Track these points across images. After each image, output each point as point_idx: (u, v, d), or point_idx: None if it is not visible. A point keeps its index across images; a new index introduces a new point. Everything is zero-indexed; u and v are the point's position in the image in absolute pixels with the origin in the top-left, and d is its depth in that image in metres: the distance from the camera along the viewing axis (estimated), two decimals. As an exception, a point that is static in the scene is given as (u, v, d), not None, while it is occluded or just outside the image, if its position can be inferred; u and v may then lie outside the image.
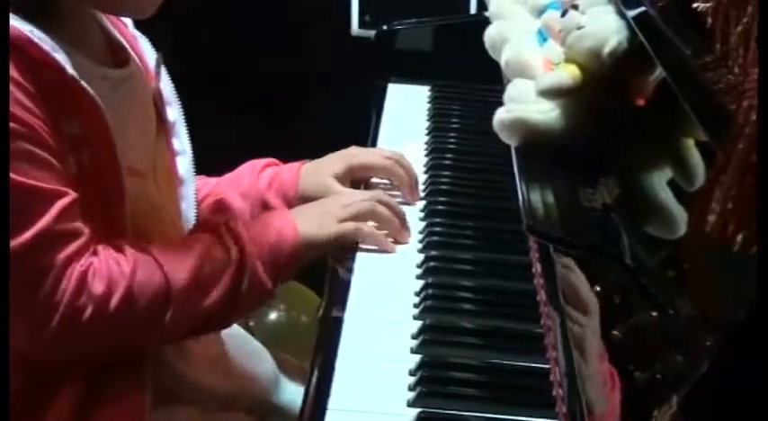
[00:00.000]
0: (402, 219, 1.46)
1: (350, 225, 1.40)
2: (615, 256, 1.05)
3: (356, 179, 1.58)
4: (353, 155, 1.58)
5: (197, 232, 1.36)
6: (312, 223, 1.38)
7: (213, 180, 1.59)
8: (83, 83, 1.22)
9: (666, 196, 1.10)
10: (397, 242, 1.45)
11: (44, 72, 1.20)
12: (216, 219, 1.37)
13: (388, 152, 1.61)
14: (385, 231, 1.44)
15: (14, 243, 1.17)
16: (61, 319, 1.20)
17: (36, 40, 1.19)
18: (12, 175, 1.17)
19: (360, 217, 1.42)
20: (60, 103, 1.22)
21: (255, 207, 1.53)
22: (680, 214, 1.07)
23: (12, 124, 1.17)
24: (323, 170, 1.55)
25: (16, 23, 1.19)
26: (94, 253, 1.23)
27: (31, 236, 1.18)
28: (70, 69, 1.21)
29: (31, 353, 1.23)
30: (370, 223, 1.43)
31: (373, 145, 1.76)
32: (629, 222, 1.11)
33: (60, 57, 1.21)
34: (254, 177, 1.56)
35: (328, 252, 1.41)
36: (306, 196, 1.51)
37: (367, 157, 1.59)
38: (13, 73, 1.18)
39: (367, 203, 1.43)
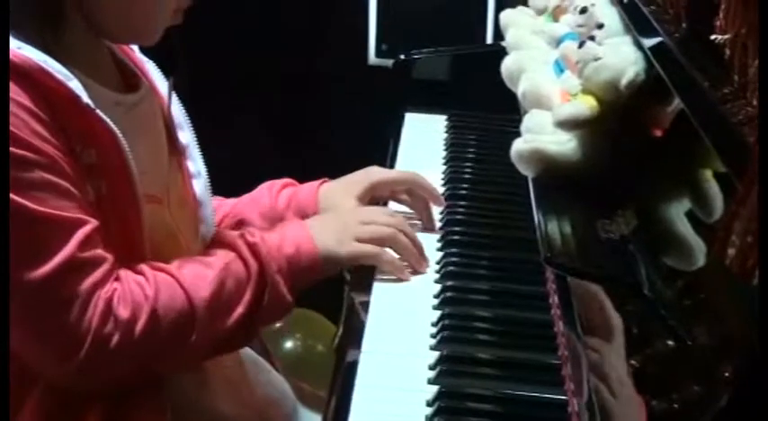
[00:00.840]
0: (421, 250, 1.46)
1: (371, 248, 1.40)
2: (633, 287, 1.05)
3: (377, 198, 1.58)
4: (373, 172, 1.58)
5: (214, 247, 1.36)
6: (330, 236, 1.38)
7: (231, 201, 1.59)
8: (98, 112, 1.23)
9: (684, 227, 1.10)
10: (415, 272, 1.44)
11: (59, 101, 1.21)
12: (231, 233, 1.37)
13: (407, 171, 1.62)
14: (404, 262, 1.44)
15: (38, 273, 1.17)
16: (90, 348, 1.20)
17: (50, 69, 1.20)
18: (32, 205, 1.17)
19: (380, 241, 1.41)
20: (76, 131, 1.22)
21: (275, 227, 1.53)
22: (698, 245, 1.06)
23: (29, 154, 1.18)
24: (343, 189, 1.55)
25: (30, 54, 1.20)
26: (117, 278, 1.24)
27: (55, 265, 1.18)
28: (85, 98, 1.22)
29: (61, 382, 1.24)
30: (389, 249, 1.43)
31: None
32: (647, 253, 1.10)
33: (75, 85, 1.22)
34: (272, 197, 1.56)
35: (344, 269, 1.41)
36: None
37: (387, 173, 1.60)
38: (29, 103, 1.19)
39: (390, 230, 1.42)
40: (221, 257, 1.31)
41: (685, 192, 1.13)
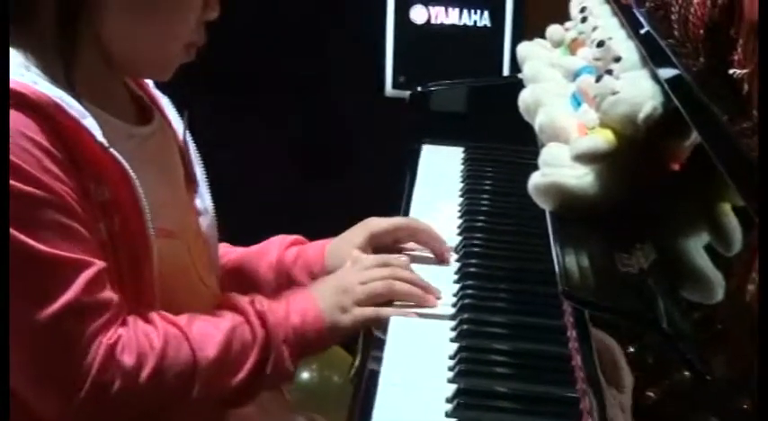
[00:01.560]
0: (423, 287, 1.46)
1: (370, 312, 1.40)
2: (652, 322, 1.05)
3: (381, 246, 1.58)
4: (372, 222, 1.59)
5: (223, 309, 1.36)
6: (334, 306, 1.38)
7: (239, 249, 1.60)
8: (112, 150, 1.24)
9: (703, 262, 1.10)
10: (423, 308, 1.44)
11: (74, 139, 1.21)
12: (242, 298, 1.37)
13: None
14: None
15: (42, 314, 1.18)
16: (89, 390, 1.20)
17: (66, 106, 1.21)
18: (39, 245, 1.18)
19: (378, 298, 1.41)
20: (90, 169, 1.23)
21: (281, 281, 1.54)
22: (717, 280, 1.06)
23: (39, 192, 1.18)
24: (346, 244, 1.55)
25: (46, 90, 1.21)
26: (123, 323, 1.24)
27: (58, 307, 1.18)
28: (99, 136, 1.23)
29: None
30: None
31: (407, 206, 1.77)
32: (666, 287, 1.10)
33: (89, 123, 1.22)
34: (281, 251, 1.57)
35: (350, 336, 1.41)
36: (331, 274, 1.51)
37: (385, 221, 1.60)
38: (43, 140, 1.19)
39: (381, 284, 1.42)
40: (230, 320, 1.32)
41: (704, 226, 1.13)
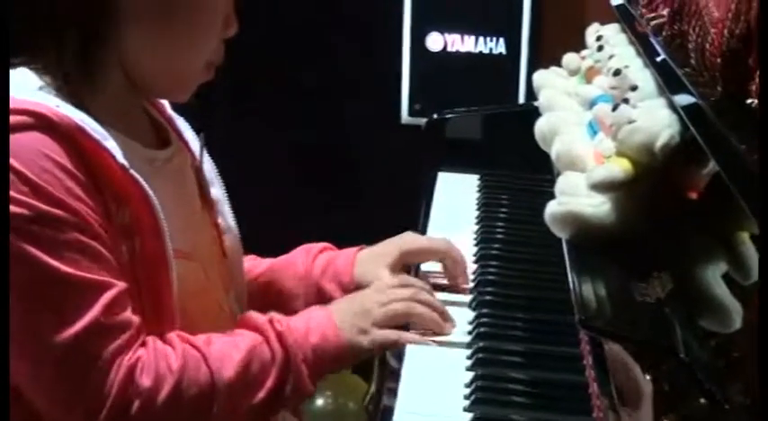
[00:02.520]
0: (442, 312, 1.46)
1: (390, 334, 1.39)
2: (669, 350, 1.05)
3: (408, 264, 1.58)
4: (406, 241, 1.59)
5: (242, 328, 1.36)
6: (353, 326, 1.37)
7: (266, 261, 1.59)
8: (133, 172, 1.24)
9: (721, 290, 1.09)
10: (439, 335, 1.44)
11: (96, 161, 1.22)
12: (260, 317, 1.37)
13: (439, 238, 1.62)
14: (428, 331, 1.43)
15: (62, 335, 1.18)
16: (109, 412, 1.20)
17: (88, 129, 1.22)
18: (60, 266, 1.18)
19: (398, 319, 1.41)
20: (112, 191, 1.24)
21: (310, 292, 1.54)
22: (735, 308, 1.06)
23: (62, 213, 1.19)
24: (376, 258, 1.55)
25: (68, 113, 1.21)
26: (143, 344, 1.24)
27: (80, 328, 1.19)
28: (121, 158, 1.24)
29: None
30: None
31: (423, 233, 1.77)
32: (683, 316, 1.10)
33: (111, 145, 1.23)
34: (308, 262, 1.56)
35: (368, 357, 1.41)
36: (360, 284, 1.51)
37: (420, 242, 1.60)
38: (66, 162, 1.20)
39: (403, 305, 1.42)
40: (249, 340, 1.31)
41: (721, 254, 1.13)
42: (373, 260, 1.55)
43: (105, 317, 1.20)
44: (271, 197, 2.69)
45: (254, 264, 1.58)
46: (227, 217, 1.48)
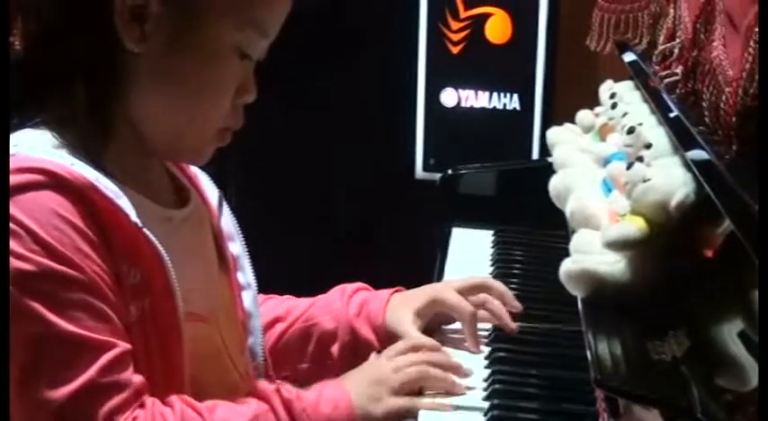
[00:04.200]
0: (457, 369, 1.45)
1: (404, 403, 1.37)
2: (685, 410, 1.04)
3: (439, 312, 1.58)
4: (439, 291, 1.59)
5: (250, 396, 1.35)
6: (366, 395, 1.36)
7: (305, 302, 1.59)
8: (146, 231, 1.24)
9: (738, 349, 1.09)
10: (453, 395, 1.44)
11: (108, 220, 1.22)
12: (268, 385, 1.36)
13: (473, 297, 1.61)
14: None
15: (58, 394, 1.17)
16: None
17: (101, 187, 1.21)
18: (63, 324, 1.18)
19: (412, 383, 1.41)
20: (123, 251, 1.23)
21: (344, 332, 1.54)
22: (751, 366, 1.06)
23: (70, 271, 1.18)
24: (407, 303, 1.56)
25: (82, 171, 1.22)
26: (142, 406, 1.22)
27: (75, 388, 1.18)
28: (134, 216, 1.23)
29: None
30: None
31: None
32: (700, 375, 1.10)
33: (124, 203, 1.23)
34: (343, 302, 1.57)
35: None
36: (389, 328, 1.52)
37: (451, 300, 1.58)
38: (77, 220, 1.20)
39: (416, 369, 1.41)
40: (254, 408, 1.30)
41: (737, 313, 1.12)
42: (403, 304, 1.55)
43: (102, 376, 1.19)
44: (285, 252, 2.69)
45: (294, 306, 1.58)
46: (246, 272, 1.47)
